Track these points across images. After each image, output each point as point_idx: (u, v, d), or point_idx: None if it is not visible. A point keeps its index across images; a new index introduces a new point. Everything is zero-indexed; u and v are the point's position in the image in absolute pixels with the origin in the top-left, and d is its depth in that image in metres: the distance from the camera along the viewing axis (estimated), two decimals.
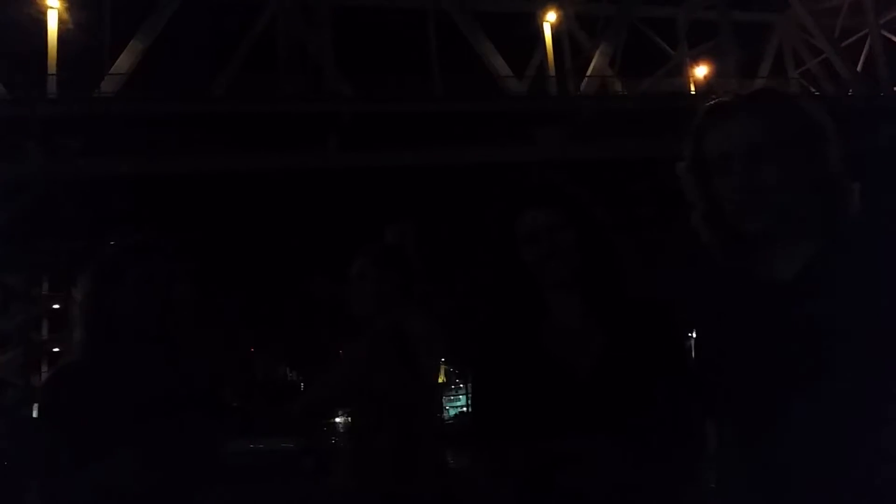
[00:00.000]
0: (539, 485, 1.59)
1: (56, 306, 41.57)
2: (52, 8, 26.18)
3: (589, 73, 31.09)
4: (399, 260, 2.70)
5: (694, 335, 1.62)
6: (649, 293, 1.75)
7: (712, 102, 1.63)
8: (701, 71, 34.74)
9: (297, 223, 29.01)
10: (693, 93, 33.74)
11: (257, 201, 26.93)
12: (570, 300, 1.74)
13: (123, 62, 26.49)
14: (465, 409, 78.90)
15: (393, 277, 2.65)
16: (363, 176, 26.73)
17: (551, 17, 32.44)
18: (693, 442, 1.64)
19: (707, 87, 34.07)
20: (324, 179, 26.51)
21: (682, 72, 34.53)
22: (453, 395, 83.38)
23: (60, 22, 26.37)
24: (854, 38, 35.14)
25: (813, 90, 36.55)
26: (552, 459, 1.57)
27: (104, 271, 2.19)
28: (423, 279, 2.72)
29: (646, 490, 1.56)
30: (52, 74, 25.79)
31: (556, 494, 1.59)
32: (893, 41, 34.94)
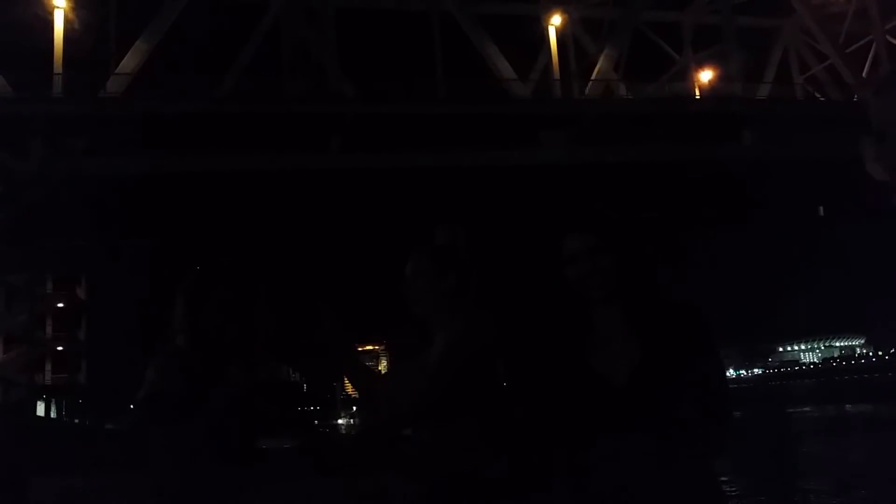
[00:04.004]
0: (574, 485, 1.76)
1: (60, 305, 41.74)
2: (58, 8, 26.30)
3: (593, 76, 31.10)
4: (454, 259, 2.72)
5: None
6: (685, 305, 1.91)
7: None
8: (706, 75, 34.71)
9: (299, 223, 29.06)
10: (698, 97, 33.74)
11: (260, 201, 26.98)
12: (611, 315, 1.89)
13: (129, 62, 26.58)
14: None
15: (449, 276, 2.67)
16: (365, 177, 26.75)
17: (556, 20, 32.46)
18: (718, 445, 1.78)
19: (712, 91, 34.07)
20: (326, 180, 26.55)
21: (686, 76, 34.51)
22: None
23: (66, 22, 26.48)
24: (859, 43, 35.09)
25: (818, 95, 36.52)
26: (588, 462, 1.73)
27: (193, 292, 2.54)
28: (476, 279, 2.76)
29: (672, 489, 1.70)
30: (58, 74, 25.89)
31: (586, 495, 1.74)
32: None
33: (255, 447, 2.61)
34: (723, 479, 1.88)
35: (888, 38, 34.74)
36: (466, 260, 2.70)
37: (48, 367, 40.79)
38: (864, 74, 34.09)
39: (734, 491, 11.85)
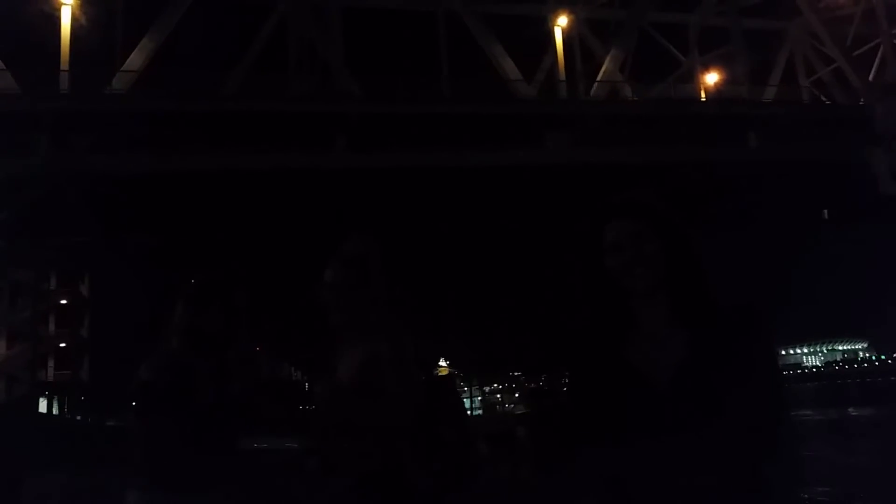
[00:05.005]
0: (616, 488, 1.68)
1: (63, 302, 41.79)
2: (65, 5, 26.34)
3: (599, 77, 31.06)
4: (371, 269, 2.74)
5: None
6: (741, 303, 1.79)
7: None
8: (712, 77, 34.65)
9: (303, 222, 29.06)
10: (703, 99, 33.68)
11: (265, 199, 26.99)
12: (655, 309, 1.79)
13: (135, 60, 26.60)
14: (468, 412, 78.80)
15: (369, 287, 2.70)
16: (371, 176, 26.75)
17: (562, 21, 32.43)
18: (770, 447, 1.67)
19: (718, 93, 34.02)
20: (332, 179, 26.55)
21: (692, 78, 34.45)
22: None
23: (73, 19, 26.52)
24: (866, 47, 34.99)
25: (824, 98, 36.45)
26: (629, 464, 1.66)
27: (191, 298, 2.81)
28: (392, 290, 2.77)
29: (716, 495, 1.61)
30: (65, 71, 25.93)
31: (626, 498, 1.67)
32: None
33: (245, 443, 2.77)
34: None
35: (895, 41, 34.63)
36: (381, 270, 2.72)
37: (51, 363, 40.82)
38: (870, 78, 33.99)
39: None
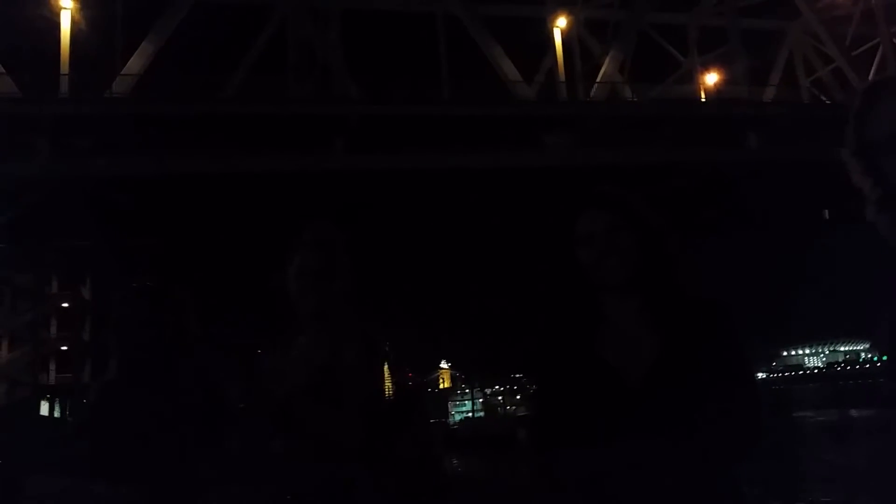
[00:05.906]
0: (591, 491, 1.64)
1: (64, 305, 41.79)
2: (65, 9, 26.36)
3: (599, 78, 31.05)
4: (337, 258, 2.66)
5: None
6: (706, 295, 1.76)
7: (873, 81, 1.59)
8: (711, 78, 34.65)
9: (303, 224, 29.06)
10: (703, 100, 33.68)
11: (264, 202, 26.99)
12: (627, 304, 1.75)
13: (135, 63, 26.63)
14: (470, 413, 78.79)
15: (338, 276, 2.61)
16: (370, 179, 26.75)
17: (562, 22, 32.43)
18: (746, 444, 1.66)
19: (717, 94, 34.02)
20: (331, 182, 26.55)
21: (692, 78, 34.45)
22: (459, 401, 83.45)
23: (73, 23, 26.54)
24: (866, 46, 34.99)
25: (824, 99, 36.44)
26: (604, 466, 1.62)
27: (124, 312, 2.73)
28: (359, 282, 2.70)
29: (696, 493, 1.59)
30: (65, 74, 25.95)
31: (600, 500, 1.64)
32: None
33: (188, 466, 2.59)
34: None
35: (895, 40, 34.62)
36: (347, 258, 2.66)
37: (52, 367, 40.81)
38: (870, 77, 33.97)
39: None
